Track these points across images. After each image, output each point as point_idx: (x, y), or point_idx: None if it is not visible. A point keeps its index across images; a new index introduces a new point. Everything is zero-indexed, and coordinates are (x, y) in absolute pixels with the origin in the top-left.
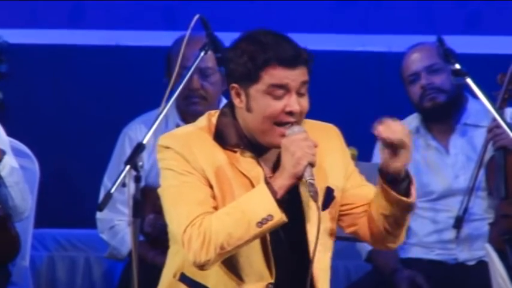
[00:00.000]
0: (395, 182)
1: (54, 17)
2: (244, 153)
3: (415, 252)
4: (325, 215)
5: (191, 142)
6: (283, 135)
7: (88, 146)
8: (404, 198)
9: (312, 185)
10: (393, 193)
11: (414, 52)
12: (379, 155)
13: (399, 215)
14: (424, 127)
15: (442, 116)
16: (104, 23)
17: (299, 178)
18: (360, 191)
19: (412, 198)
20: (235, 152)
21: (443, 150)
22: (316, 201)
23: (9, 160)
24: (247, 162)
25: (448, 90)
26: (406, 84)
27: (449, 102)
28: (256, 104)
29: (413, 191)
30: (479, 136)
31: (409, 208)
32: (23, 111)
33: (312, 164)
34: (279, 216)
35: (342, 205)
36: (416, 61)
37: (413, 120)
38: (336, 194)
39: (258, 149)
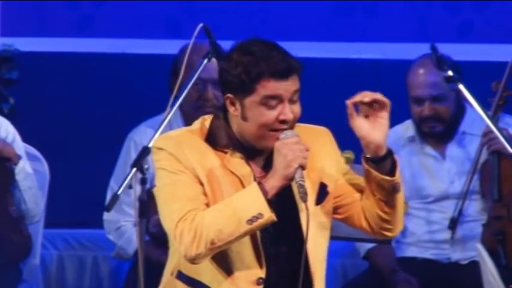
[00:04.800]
0: (377, 162)
1: (63, 26)
2: (234, 154)
3: (410, 252)
4: (319, 209)
5: (183, 143)
6: (278, 139)
7: (95, 149)
8: (387, 177)
9: (302, 186)
10: (376, 173)
11: (421, 67)
12: None
13: (387, 197)
14: (420, 136)
15: (437, 139)
16: (111, 32)
17: (290, 180)
18: (350, 182)
19: (396, 177)
20: (225, 152)
21: (440, 157)
22: (305, 201)
23: (25, 165)
24: (236, 162)
25: (447, 119)
26: (408, 96)
27: (447, 128)
28: (251, 114)
29: (398, 171)
30: (475, 144)
31: (395, 188)
32: (33, 116)
33: (302, 167)
34: (268, 215)
35: (335, 197)
36: (423, 86)
37: (409, 127)
38: (330, 189)
39: (248, 150)
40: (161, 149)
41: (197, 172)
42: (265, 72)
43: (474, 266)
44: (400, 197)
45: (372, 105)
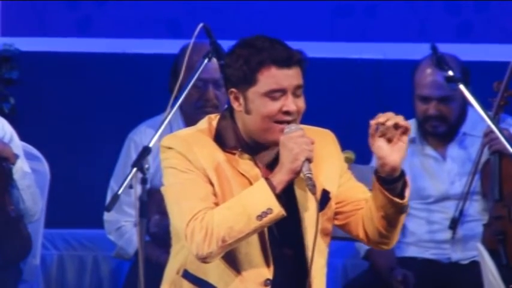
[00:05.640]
0: (390, 182)
1: (63, 26)
2: (242, 155)
3: (411, 252)
4: (321, 216)
5: (192, 143)
6: (283, 132)
7: (96, 149)
8: (397, 200)
9: (310, 178)
10: (387, 193)
11: (429, 67)
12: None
13: (392, 216)
14: (421, 137)
15: (439, 139)
16: (111, 32)
17: (297, 173)
18: (350, 189)
19: (405, 201)
20: (234, 154)
21: (440, 158)
22: (314, 193)
23: (22, 164)
24: (245, 164)
25: (451, 120)
26: (414, 93)
27: (449, 129)
28: (255, 106)
29: (407, 193)
30: (476, 145)
31: (402, 210)
32: (34, 116)
33: (309, 160)
34: (278, 210)
35: (335, 203)
36: (430, 86)
37: (411, 126)
38: (332, 196)
39: (255, 150)
40: (170, 148)
41: (207, 172)
42: (266, 59)
43: (474, 266)
44: (404, 217)
45: (395, 128)
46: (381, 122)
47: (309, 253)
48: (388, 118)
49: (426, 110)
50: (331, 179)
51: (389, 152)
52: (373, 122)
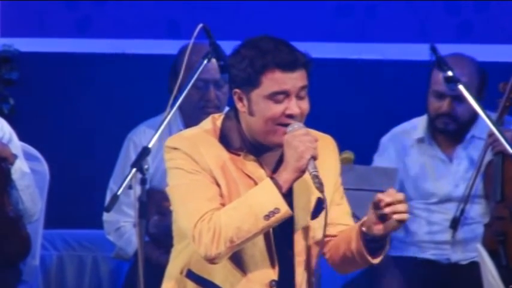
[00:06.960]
0: (370, 241)
1: (63, 26)
2: (247, 157)
3: (410, 251)
4: (314, 224)
5: (198, 143)
6: (286, 134)
7: (95, 150)
8: (369, 258)
9: (317, 176)
10: (363, 248)
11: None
12: (378, 160)
13: (358, 264)
14: (430, 137)
15: (448, 136)
16: (111, 32)
17: (303, 172)
18: (338, 211)
19: (377, 261)
20: (238, 155)
21: (447, 160)
22: (322, 191)
23: (21, 164)
24: (251, 165)
25: (462, 119)
26: (429, 90)
27: (459, 129)
28: (258, 108)
29: (382, 254)
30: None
31: (370, 265)
32: (33, 117)
33: (314, 157)
34: (285, 209)
35: None
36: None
37: (419, 127)
38: (325, 205)
39: (260, 151)
40: (176, 148)
41: (214, 173)
42: (270, 63)
43: (474, 267)
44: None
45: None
46: (386, 201)
47: (298, 257)
48: (394, 201)
49: (439, 107)
50: (328, 187)
51: (378, 223)
52: (378, 196)
